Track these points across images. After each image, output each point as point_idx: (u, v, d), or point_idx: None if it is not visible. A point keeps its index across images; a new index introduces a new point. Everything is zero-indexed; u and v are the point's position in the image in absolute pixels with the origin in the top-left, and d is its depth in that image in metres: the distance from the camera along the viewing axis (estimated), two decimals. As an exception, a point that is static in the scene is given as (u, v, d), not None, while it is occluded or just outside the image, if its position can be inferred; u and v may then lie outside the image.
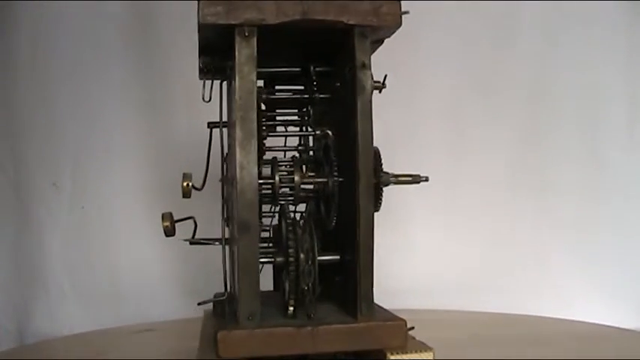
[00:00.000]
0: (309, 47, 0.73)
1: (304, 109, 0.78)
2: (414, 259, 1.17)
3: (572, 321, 1.05)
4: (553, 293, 1.15)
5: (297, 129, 0.80)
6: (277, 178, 0.70)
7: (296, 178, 0.70)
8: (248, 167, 0.63)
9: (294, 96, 0.77)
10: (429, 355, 0.63)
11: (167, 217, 0.67)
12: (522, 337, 0.95)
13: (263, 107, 0.76)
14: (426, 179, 0.77)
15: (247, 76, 0.64)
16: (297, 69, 0.77)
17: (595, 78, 1.17)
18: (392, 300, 0.73)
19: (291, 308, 0.67)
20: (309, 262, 0.67)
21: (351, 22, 0.65)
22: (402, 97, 1.10)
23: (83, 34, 1.18)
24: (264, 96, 0.76)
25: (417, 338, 0.67)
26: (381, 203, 0.72)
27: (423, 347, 0.65)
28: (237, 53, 0.63)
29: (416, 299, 1.09)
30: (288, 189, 0.72)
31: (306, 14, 0.64)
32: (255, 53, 0.64)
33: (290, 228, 0.67)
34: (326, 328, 0.64)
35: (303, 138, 0.81)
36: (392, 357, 0.62)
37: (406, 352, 0.63)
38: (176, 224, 0.74)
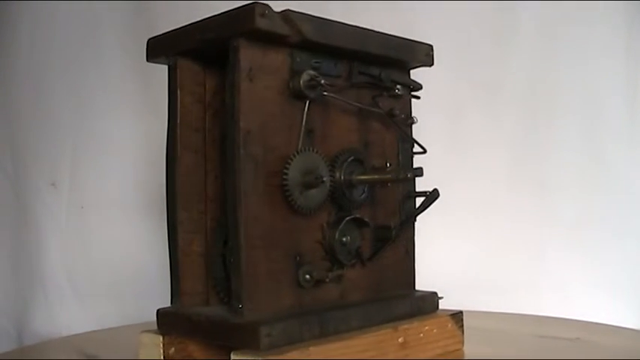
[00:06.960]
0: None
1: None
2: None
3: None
4: (552, 291, 1.13)
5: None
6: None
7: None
8: (173, 171, 0.75)
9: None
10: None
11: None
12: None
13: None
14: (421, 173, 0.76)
15: (175, 96, 0.75)
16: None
17: (595, 77, 1.15)
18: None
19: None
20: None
21: (227, 34, 0.68)
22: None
23: (82, 35, 1.19)
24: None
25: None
26: (296, 204, 0.69)
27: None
28: (167, 82, 0.76)
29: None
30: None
31: (203, 34, 0.71)
32: (178, 81, 0.75)
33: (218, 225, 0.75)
34: (211, 319, 0.69)
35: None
36: (234, 357, 0.63)
37: (249, 353, 0.63)
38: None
